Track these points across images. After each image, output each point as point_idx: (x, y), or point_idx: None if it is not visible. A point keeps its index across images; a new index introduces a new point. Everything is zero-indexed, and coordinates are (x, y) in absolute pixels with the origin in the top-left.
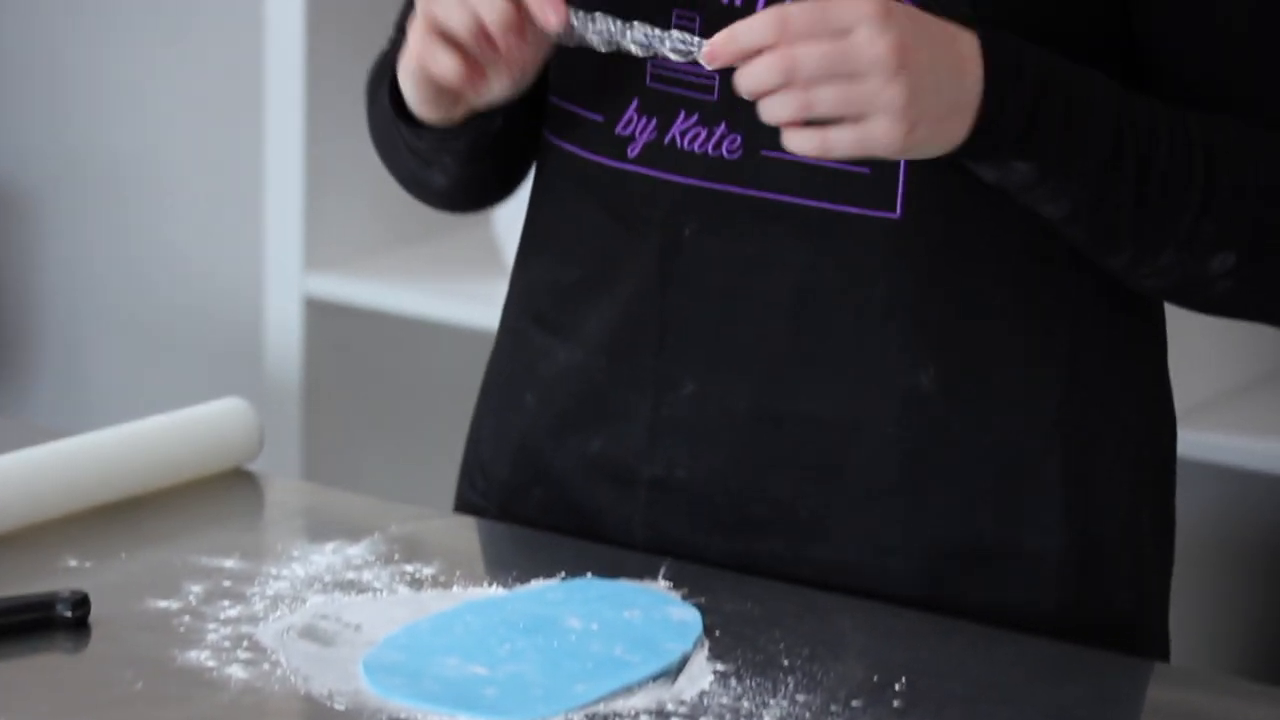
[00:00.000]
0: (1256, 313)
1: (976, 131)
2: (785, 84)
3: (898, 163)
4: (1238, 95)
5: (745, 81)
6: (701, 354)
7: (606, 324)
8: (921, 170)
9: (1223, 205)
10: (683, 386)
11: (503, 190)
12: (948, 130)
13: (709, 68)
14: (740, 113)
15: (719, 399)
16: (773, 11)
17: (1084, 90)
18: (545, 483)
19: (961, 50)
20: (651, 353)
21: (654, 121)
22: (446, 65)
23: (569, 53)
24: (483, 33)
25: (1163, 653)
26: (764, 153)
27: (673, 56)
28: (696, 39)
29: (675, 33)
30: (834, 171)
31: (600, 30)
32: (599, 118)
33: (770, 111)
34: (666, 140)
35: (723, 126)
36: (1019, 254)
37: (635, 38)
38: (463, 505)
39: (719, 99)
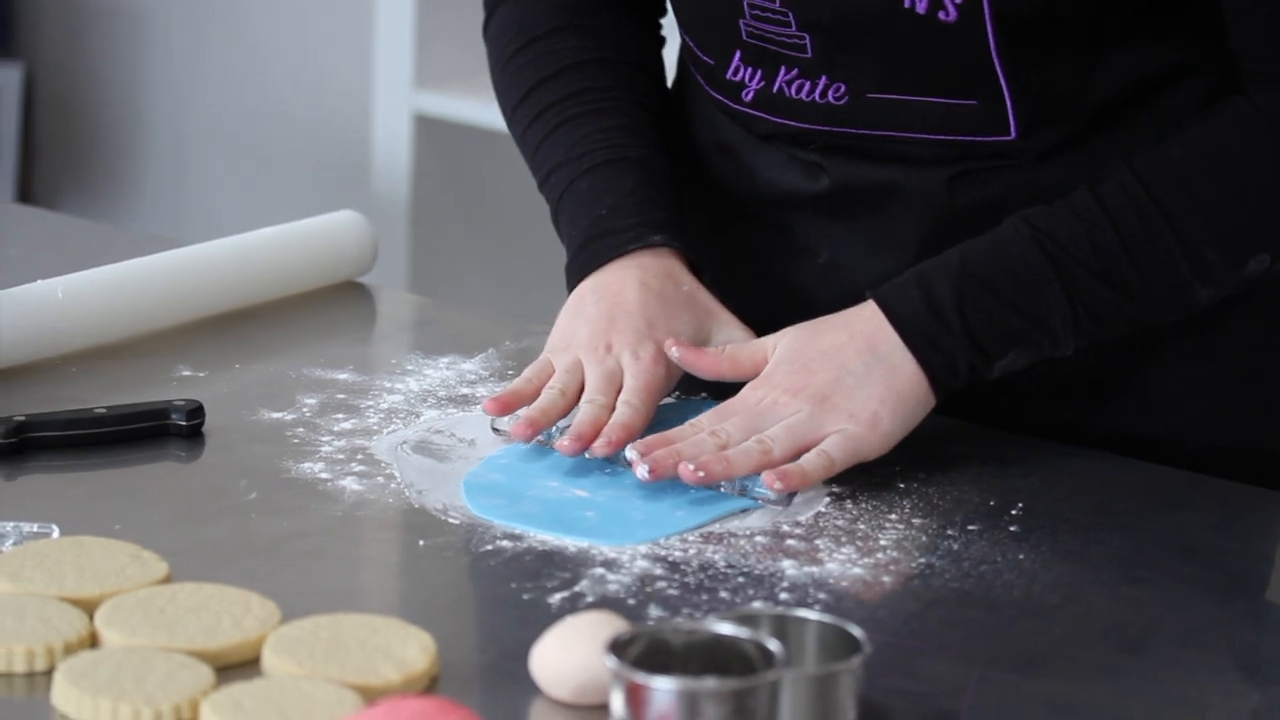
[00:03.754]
0: None
1: (933, 374)
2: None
3: (1003, 90)
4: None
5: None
6: (838, 231)
7: (754, 200)
8: (1027, 93)
9: (1200, 234)
10: (819, 256)
11: None
12: (910, 397)
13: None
14: (839, 65)
15: (848, 272)
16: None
17: (992, 255)
18: None
19: (859, 329)
20: (800, 224)
21: (759, 72)
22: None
23: None
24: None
25: None
26: (869, 95)
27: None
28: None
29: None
30: (945, 106)
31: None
32: (710, 61)
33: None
34: (775, 89)
35: (824, 79)
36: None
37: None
38: None
39: (813, 56)
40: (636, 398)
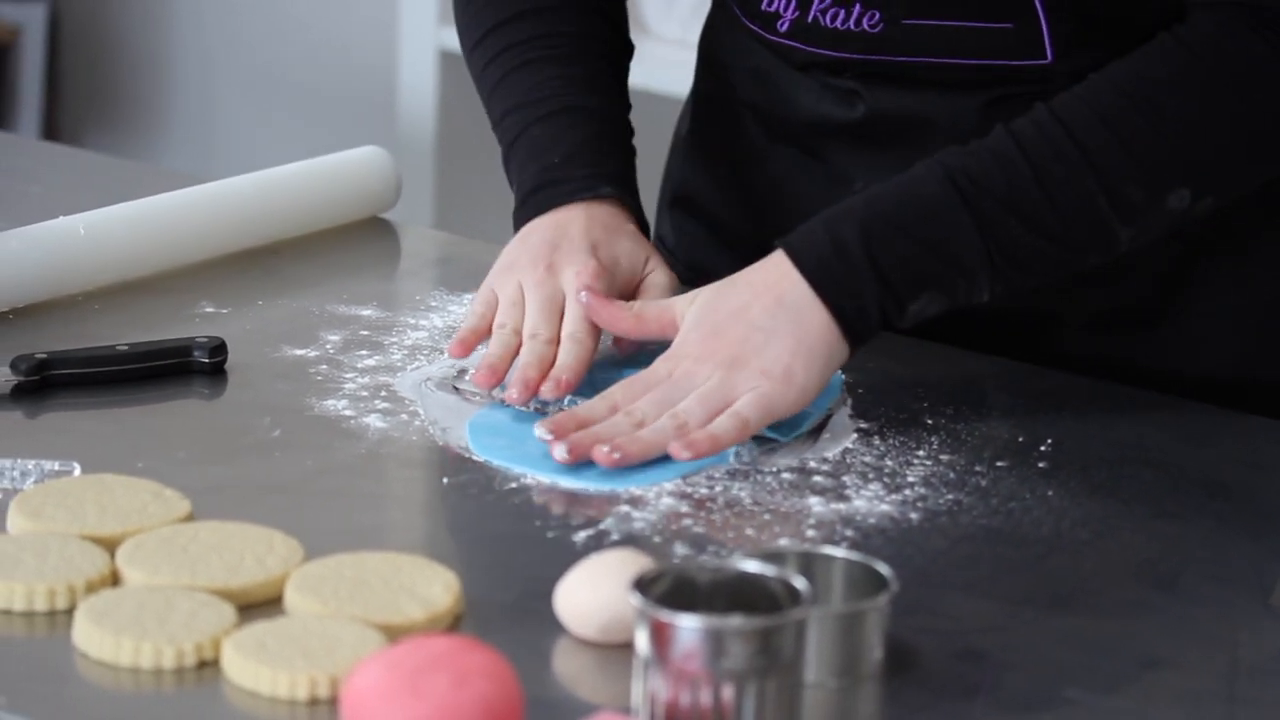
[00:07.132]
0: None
1: (843, 319)
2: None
3: (1037, 12)
4: None
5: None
6: (874, 159)
7: (791, 127)
8: (1062, 14)
9: (1118, 167)
10: (855, 184)
11: None
12: (821, 343)
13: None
14: None
15: None
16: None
17: (901, 194)
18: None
19: (763, 282)
20: (836, 152)
21: (794, 1)
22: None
23: None
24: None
25: None
26: (905, 21)
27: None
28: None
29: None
30: (981, 30)
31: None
32: None
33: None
34: (810, 19)
35: (858, 6)
36: None
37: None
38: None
39: None
40: (580, 329)
